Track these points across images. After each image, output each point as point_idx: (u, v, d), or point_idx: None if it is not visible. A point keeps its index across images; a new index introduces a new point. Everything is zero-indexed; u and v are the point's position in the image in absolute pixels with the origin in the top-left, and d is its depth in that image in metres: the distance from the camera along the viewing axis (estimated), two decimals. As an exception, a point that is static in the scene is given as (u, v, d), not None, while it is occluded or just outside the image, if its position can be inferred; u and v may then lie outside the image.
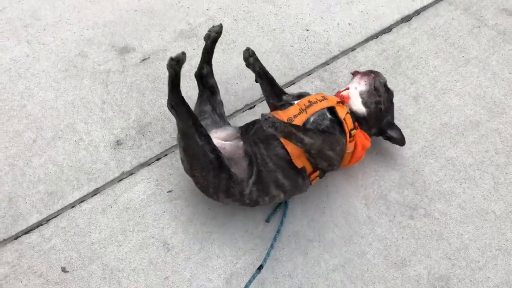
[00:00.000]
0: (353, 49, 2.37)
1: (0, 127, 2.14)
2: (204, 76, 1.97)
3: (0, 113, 2.18)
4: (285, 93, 1.94)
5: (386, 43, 2.39)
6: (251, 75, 2.28)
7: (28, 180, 2.01)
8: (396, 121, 2.13)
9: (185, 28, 2.45)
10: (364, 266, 1.82)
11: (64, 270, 1.82)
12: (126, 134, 2.13)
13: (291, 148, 1.69)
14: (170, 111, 1.73)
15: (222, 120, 1.93)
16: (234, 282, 1.78)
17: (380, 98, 1.89)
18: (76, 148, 2.09)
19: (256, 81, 1.96)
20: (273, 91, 1.94)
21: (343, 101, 1.87)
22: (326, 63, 2.33)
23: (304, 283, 1.78)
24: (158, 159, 2.07)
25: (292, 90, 2.24)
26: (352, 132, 1.79)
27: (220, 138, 1.81)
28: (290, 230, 1.87)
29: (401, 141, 1.94)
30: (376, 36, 2.42)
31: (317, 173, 1.79)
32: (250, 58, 1.91)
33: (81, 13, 2.52)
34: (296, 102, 1.82)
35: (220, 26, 1.87)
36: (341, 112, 1.79)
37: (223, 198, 1.76)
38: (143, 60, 2.35)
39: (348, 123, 1.79)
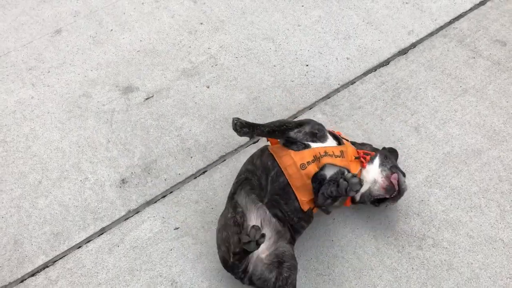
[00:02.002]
0: (352, 82, 2.42)
1: (6, 169, 2.15)
2: None
3: (5, 155, 2.20)
4: (289, 128, 1.77)
5: (384, 76, 2.44)
6: (254, 110, 2.33)
7: (34, 221, 2.00)
8: (399, 152, 2.15)
9: (187, 66, 2.50)
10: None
11: (71, 313, 1.79)
12: (132, 172, 2.13)
13: (301, 197, 1.72)
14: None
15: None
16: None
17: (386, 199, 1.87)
18: (81, 187, 2.09)
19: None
20: (277, 136, 1.79)
21: (362, 160, 1.83)
22: (327, 97, 2.37)
23: (315, 318, 1.76)
24: (164, 196, 2.07)
25: (294, 124, 2.27)
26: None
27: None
28: (299, 264, 1.86)
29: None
30: (374, 69, 2.47)
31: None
32: (239, 130, 1.71)
33: (84, 55, 2.57)
34: (310, 143, 1.75)
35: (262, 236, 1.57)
36: (354, 169, 1.78)
37: None
38: (146, 99, 2.38)
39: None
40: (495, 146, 2.18)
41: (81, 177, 2.12)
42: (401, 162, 2.13)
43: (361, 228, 1.95)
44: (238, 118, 1.70)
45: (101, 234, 1.97)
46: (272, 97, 2.37)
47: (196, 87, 2.42)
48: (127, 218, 2.01)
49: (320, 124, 1.83)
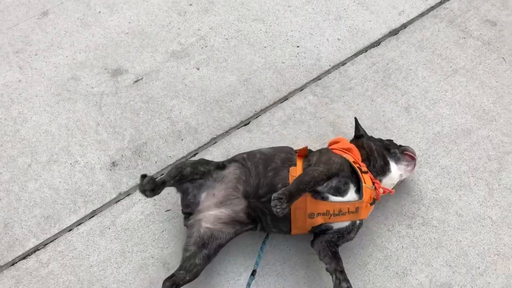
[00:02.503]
0: (343, 63, 2.42)
1: (-6, 153, 2.13)
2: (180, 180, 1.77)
3: (-7, 139, 2.17)
4: (319, 183, 1.64)
5: (375, 57, 2.43)
6: (244, 92, 2.31)
7: (23, 205, 1.99)
8: (389, 132, 2.17)
9: (177, 48, 2.47)
10: (366, 277, 1.82)
11: (63, 295, 1.79)
12: (122, 155, 2.12)
13: (295, 231, 1.72)
14: None
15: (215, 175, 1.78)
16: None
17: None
18: (71, 171, 2.08)
19: None
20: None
21: (377, 191, 1.75)
22: (318, 78, 2.36)
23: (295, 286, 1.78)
24: (154, 179, 2.06)
25: (286, 105, 2.26)
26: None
27: (217, 203, 1.73)
28: (291, 243, 1.87)
29: None
30: (365, 50, 2.46)
31: None
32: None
33: (72, 38, 2.53)
34: (330, 197, 1.65)
35: (148, 178, 1.65)
36: (366, 214, 1.75)
37: None
38: (136, 81, 2.36)
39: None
40: (485, 126, 2.19)
41: (71, 160, 2.10)
42: (392, 142, 2.14)
43: (352, 208, 1.96)
44: (278, 198, 1.52)
45: (92, 216, 1.96)
46: (263, 79, 2.36)
47: (186, 69, 2.39)
48: (118, 201, 2.00)
49: (348, 176, 1.69)
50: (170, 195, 2.00)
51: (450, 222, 1.93)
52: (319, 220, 1.67)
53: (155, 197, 1.98)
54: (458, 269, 1.83)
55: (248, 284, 1.70)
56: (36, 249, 1.89)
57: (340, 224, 1.70)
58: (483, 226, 1.93)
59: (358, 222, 1.74)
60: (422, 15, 2.61)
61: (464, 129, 2.18)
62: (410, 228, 1.92)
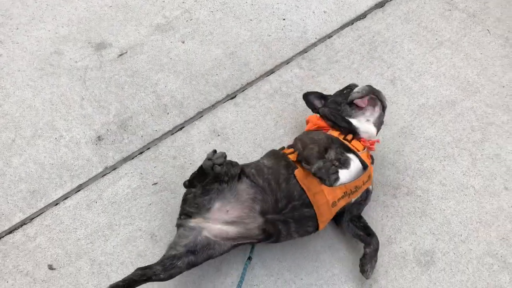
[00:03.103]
0: (329, 36, 2.41)
1: (-23, 128, 2.10)
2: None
3: (-24, 114, 2.14)
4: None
5: (361, 29, 2.42)
6: (230, 65, 2.30)
7: (8, 180, 1.97)
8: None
9: (161, 22, 2.44)
10: (351, 246, 1.85)
11: (51, 267, 1.80)
12: (107, 130, 2.11)
13: (322, 225, 1.69)
14: None
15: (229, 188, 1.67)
16: (224, 269, 1.79)
17: (384, 114, 1.92)
18: (56, 145, 2.06)
19: None
20: None
21: (370, 148, 1.82)
22: (304, 51, 2.35)
23: (292, 265, 1.80)
24: (141, 153, 2.06)
25: (272, 79, 2.25)
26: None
27: (228, 220, 1.63)
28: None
29: None
30: (351, 22, 2.45)
31: None
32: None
33: (54, 11, 2.48)
34: (340, 172, 1.57)
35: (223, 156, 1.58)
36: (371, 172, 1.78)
37: None
38: (120, 55, 2.33)
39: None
40: (469, 97, 2.21)
41: (56, 135, 2.08)
42: (377, 114, 2.15)
43: (338, 179, 1.98)
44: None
45: (79, 190, 1.96)
46: (249, 52, 2.34)
47: (171, 42, 2.37)
48: (104, 175, 2.00)
49: (341, 145, 1.72)
50: (157, 169, 2.00)
51: (434, 192, 1.97)
52: (341, 204, 1.69)
53: (141, 170, 1.99)
54: (441, 236, 1.87)
55: (245, 268, 1.72)
56: (22, 223, 1.88)
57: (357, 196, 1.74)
58: (466, 195, 1.96)
59: (371, 187, 1.80)
60: (408, -13, 2.59)
61: (449, 100, 2.20)
62: (395, 198, 1.95)
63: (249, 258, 1.75)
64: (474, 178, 2.00)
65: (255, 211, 1.62)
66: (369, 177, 1.75)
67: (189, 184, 1.69)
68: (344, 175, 1.61)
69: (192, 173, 1.69)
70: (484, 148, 2.07)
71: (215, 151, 1.58)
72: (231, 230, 1.61)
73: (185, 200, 1.68)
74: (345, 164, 1.65)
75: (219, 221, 1.62)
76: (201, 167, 1.61)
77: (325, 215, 1.67)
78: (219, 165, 1.55)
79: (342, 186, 1.65)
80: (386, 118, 2.13)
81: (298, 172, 1.67)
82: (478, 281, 1.79)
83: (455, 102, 2.19)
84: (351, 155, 1.69)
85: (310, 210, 1.64)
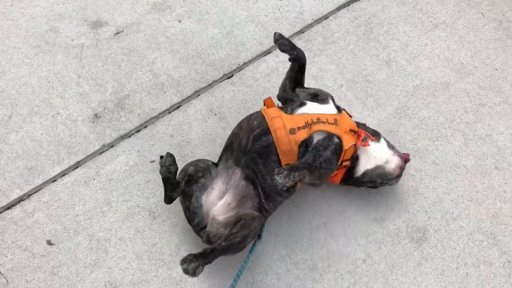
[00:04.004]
0: (326, 17, 2.42)
1: (-27, 105, 2.09)
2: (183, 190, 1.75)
3: (-29, 91, 2.13)
4: (302, 86, 1.87)
5: (357, 11, 2.44)
6: (227, 45, 2.31)
7: (5, 156, 1.97)
8: (370, 85, 2.20)
9: (157, 0, 2.42)
10: (346, 223, 1.89)
11: (49, 243, 1.82)
12: (104, 107, 2.11)
13: (284, 161, 1.67)
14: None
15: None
16: (222, 245, 1.82)
17: (382, 184, 1.86)
18: (53, 123, 2.06)
19: (289, 60, 1.85)
20: (295, 77, 1.85)
21: (358, 134, 1.77)
22: (301, 31, 2.36)
23: (288, 241, 1.84)
24: (138, 131, 2.07)
25: (269, 58, 2.26)
26: (344, 163, 1.76)
27: (219, 193, 1.71)
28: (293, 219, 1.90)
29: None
30: (347, 4, 2.46)
31: None
32: (279, 41, 1.80)
33: (49, -12, 2.45)
34: (308, 103, 1.74)
35: (170, 157, 1.66)
36: (347, 142, 1.70)
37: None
38: (116, 33, 2.32)
39: (347, 154, 1.73)
40: (462, 79, 2.24)
41: (53, 112, 2.08)
42: (373, 95, 2.18)
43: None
44: (280, 34, 1.82)
45: (76, 168, 1.97)
46: (245, 32, 2.35)
47: (168, 21, 2.36)
48: (102, 152, 2.01)
49: (327, 95, 1.80)
50: (154, 147, 2.02)
51: (427, 171, 2.01)
52: (302, 135, 1.65)
53: (139, 148, 2.00)
54: (433, 214, 1.92)
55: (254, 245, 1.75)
56: (20, 200, 1.89)
57: (319, 135, 1.66)
58: (458, 174, 2.01)
59: (335, 139, 1.68)
60: (404, -31, 2.61)
61: (443, 82, 2.23)
62: (389, 177, 1.98)
63: (259, 236, 1.76)
64: (466, 158, 2.04)
65: (232, 167, 1.71)
66: (336, 122, 1.69)
67: (168, 200, 1.75)
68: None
69: (164, 190, 1.73)
70: (476, 129, 2.11)
71: (161, 157, 1.65)
72: (229, 198, 1.68)
73: (187, 219, 1.75)
74: (321, 101, 1.76)
75: (214, 201, 1.69)
76: (163, 179, 1.68)
77: (284, 143, 1.65)
78: (172, 165, 1.64)
79: (302, 115, 1.68)
80: (381, 99, 2.17)
81: (263, 108, 1.77)
82: (468, 257, 1.84)
83: (449, 84, 2.23)
84: (331, 101, 1.80)
85: (268, 138, 1.66)
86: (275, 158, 1.67)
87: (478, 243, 1.87)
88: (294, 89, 1.87)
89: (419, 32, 2.38)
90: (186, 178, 1.71)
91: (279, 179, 1.48)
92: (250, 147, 1.69)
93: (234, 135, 1.78)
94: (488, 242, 1.87)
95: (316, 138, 1.66)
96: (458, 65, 2.28)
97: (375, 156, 1.79)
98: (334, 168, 1.73)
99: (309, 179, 1.59)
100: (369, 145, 1.76)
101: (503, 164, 2.03)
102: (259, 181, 1.69)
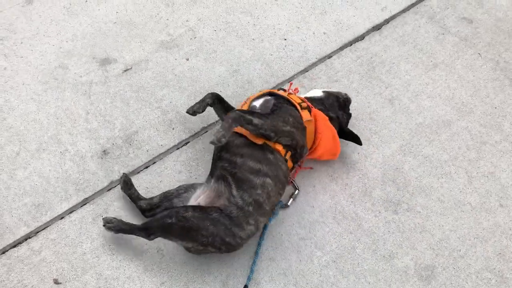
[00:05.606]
0: (329, 56, 2.49)
1: (-19, 141, 2.09)
2: (150, 208, 1.91)
3: (-21, 127, 2.14)
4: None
5: (360, 50, 2.51)
6: (234, 82, 2.36)
7: (13, 193, 1.97)
8: (374, 123, 2.25)
9: (165, 39, 2.49)
10: (355, 260, 1.89)
11: (56, 282, 1.79)
12: (113, 144, 2.12)
13: (246, 131, 1.78)
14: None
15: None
16: (231, 283, 1.81)
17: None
18: (61, 159, 2.07)
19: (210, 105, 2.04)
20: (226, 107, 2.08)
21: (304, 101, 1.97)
22: (305, 70, 2.43)
23: (299, 280, 1.83)
24: (146, 167, 2.08)
25: (274, 96, 2.31)
26: (302, 104, 1.91)
27: (195, 198, 1.85)
28: (282, 229, 1.93)
29: (358, 139, 2.07)
30: (350, 44, 2.54)
31: (289, 153, 1.83)
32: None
33: (59, 26, 2.51)
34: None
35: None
36: (295, 99, 1.91)
37: (239, 232, 1.75)
38: (125, 70, 2.36)
39: (294, 98, 1.91)
40: (463, 117, 2.30)
41: (61, 149, 2.09)
42: (377, 132, 2.22)
43: (340, 195, 2.04)
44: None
45: (84, 204, 1.96)
46: (251, 70, 2.40)
47: (176, 59, 2.41)
48: (110, 189, 2.01)
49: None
50: (162, 183, 2.03)
51: (433, 208, 2.03)
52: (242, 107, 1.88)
53: (147, 185, 2.01)
54: (440, 252, 1.93)
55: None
56: (27, 237, 1.87)
57: (259, 100, 1.90)
58: (463, 211, 2.03)
59: (279, 97, 1.89)
60: (403, 11, 2.71)
61: (445, 120, 2.29)
62: (396, 214, 2.00)
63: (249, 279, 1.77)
64: (471, 195, 2.07)
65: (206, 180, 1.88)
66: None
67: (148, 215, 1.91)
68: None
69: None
70: (479, 166, 2.16)
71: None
72: (202, 201, 1.83)
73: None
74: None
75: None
76: (138, 207, 1.91)
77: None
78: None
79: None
80: (386, 136, 2.21)
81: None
82: (477, 295, 1.85)
83: (451, 122, 2.28)
84: None
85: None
86: (235, 138, 1.80)
87: (487, 281, 1.88)
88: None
89: (420, 71, 2.45)
90: (163, 194, 1.88)
91: (218, 127, 1.71)
92: (215, 152, 1.86)
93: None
94: (496, 280, 1.88)
95: (258, 104, 1.88)
96: (459, 104, 2.35)
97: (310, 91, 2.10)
98: (289, 107, 1.86)
99: (255, 118, 1.73)
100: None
101: (507, 201, 2.06)
102: (229, 172, 1.78)
